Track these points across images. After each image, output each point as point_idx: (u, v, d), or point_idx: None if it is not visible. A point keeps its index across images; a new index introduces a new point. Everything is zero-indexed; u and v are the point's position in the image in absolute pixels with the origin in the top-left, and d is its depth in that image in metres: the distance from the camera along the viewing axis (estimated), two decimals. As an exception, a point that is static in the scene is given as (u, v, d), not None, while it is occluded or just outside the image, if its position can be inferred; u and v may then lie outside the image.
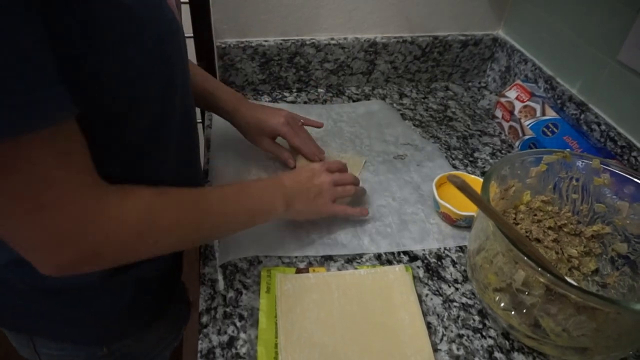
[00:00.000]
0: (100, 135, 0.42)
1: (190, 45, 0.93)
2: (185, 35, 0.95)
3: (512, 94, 0.94)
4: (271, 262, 0.64)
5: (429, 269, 0.66)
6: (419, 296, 0.61)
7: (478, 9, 1.03)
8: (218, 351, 0.53)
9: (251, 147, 0.79)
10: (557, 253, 0.61)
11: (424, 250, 0.68)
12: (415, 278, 0.63)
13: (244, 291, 0.60)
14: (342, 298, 0.59)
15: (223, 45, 0.94)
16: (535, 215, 0.64)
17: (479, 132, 0.95)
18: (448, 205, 0.68)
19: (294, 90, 1.03)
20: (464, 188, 0.44)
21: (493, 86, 1.10)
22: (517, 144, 0.91)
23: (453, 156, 0.88)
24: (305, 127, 0.81)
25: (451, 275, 0.65)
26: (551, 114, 0.86)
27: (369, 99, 1.03)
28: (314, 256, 0.65)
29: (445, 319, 0.59)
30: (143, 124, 0.47)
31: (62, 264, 0.40)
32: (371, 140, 0.90)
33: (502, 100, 0.95)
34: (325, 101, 1.00)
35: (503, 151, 0.91)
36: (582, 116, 0.84)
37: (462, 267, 0.66)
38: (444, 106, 1.03)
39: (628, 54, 0.75)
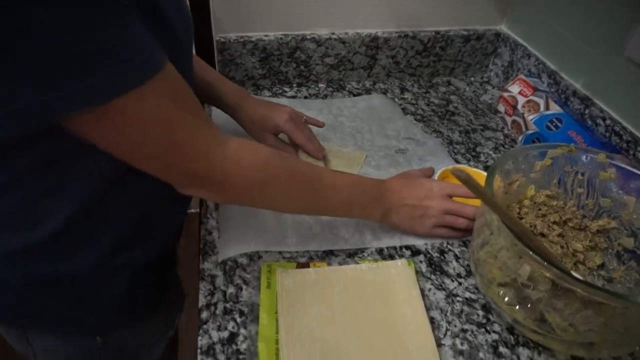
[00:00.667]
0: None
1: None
2: None
3: (515, 88, 0.93)
4: (272, 257, 0.63)
5: (432, 263, 0.65)
6: (422, 291, 0.60)
7: (481, 3, 1.01)
8: (218, 347, 0.52)
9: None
10: (562, 247, 0.61)
11: (426, 244, 0.67)
12: (417, 272, 0.62)
13: (244, 287, 0.59)
14: (343, 293, 0.58)
15: (223, 40, 0.93)
16: (540, 209, 0.63)
17: (481, 127, 0.94)
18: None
19: (295, 85, 1.02)
20: (468, 182, 0.43)
21: (496, 81, 1.09)
22: (520, 138, 0.90)
23: (455, 150, 0.87)
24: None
25: (454, 269, 0.64)
26: (555, 109, 0.85)
27: (370, 94, 1.02)
28: (315, 251, 0.64)
29: (448, 314, 0.58)
30: None
31: (194, 192, 0.52)
32: (372, 134, 0.89)
33: (505, 94, 0.94)
34: (325, 96, 0.99)
35: (506, 146, 0.90)
36: (587, 111, 0.83)
37: (466, 262, 0.65)
38: (446, 101, 1.02)
39: (634, 48, 0.74)
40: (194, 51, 0.91)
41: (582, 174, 0.62)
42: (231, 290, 0.58)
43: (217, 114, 0.80)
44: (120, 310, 0.59)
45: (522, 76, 0.94)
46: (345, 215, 0.64)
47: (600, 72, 0.82)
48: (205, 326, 0.54)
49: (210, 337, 0.53)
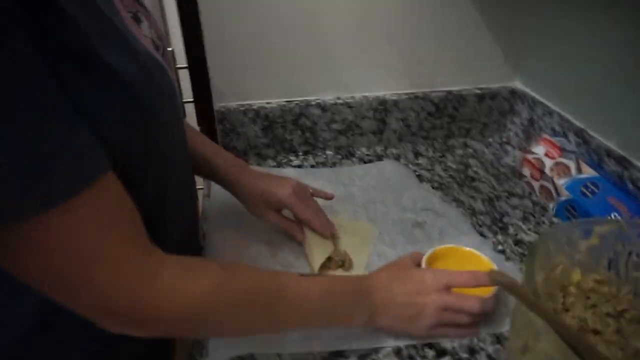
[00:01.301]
0: None
1: (191, 110, 0.88)
2: (186, 99, 0.91)
3: (539, 150, 0.85)
4: (271, 363, 0.53)
5: (463, 367, 0.54)
6: (454, 407, 0.49)
7: (491, 59, 0.96)
8: None
9: (252, 219, 0.71)
10: (622, 349, 0.50)
11: (452, 342, 0.57)
12: (447, 381, 0.52)
13: (238, 404, 0.49)
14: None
15: (223, 109, 0.89)
16: (589, 298, 0.53)
17: (506, 194, 0.85)
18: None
19: (300, 154, 0.96)
20: (512, 288, 0.34)
21: (516, 141, 1.01)
22: (552, 206, 0.81)
23: (480, 222, 0.78)
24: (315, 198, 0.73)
25: (491, 376, 0.53)
26: (588, 172, 0.76)
27: (381, 160, 0.95)
28: (321, 352, 0.54)
29: None
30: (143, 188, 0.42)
31: (119, 329, 0.39)
32: (386, 206, 0.81)
33: (530, 157, 0.86)
34: (334, 164, 0.93)
35: (536, 215, 0.80)
36: (626, 173, 0.74)
37: (504, 364, 0.55)
38: (464, 165, 0.94)
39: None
40: (193, 123, 0.87)
41: (638, 255, 0.52)
42: (221, 409, 0.48)
43: (217, 188, 0.74)
44: None
45: (546, 136, 0.86)
46: (321, 326, 0.55)
47: (636, 127, 0.74)
48: None
49: None
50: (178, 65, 0.83)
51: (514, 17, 0.92)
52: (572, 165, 0.78)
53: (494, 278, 0.35)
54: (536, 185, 0.85)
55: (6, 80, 0.28)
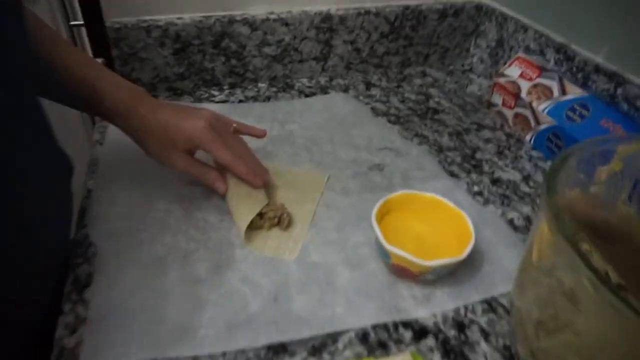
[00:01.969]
0: None
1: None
2: (75, 22, 0.68)
3: (514, 71, 0.71)
4: (180, 370, 0.37)
5: (449, 350, 0.40)
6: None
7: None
8: None
9: (159, 170, 0.52)
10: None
11: (434, 316, 0.43)
12: (429, 372, 0.38)
13: None
14: None
15: (118, 26, 0.66)
16: (609, 243, 0.40)
17: (475, 126, 0.71)
18: (406, 255, 0.43)
19: (226, 87, 0.76)
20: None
21: (480, 68, 0.87)
22: (529, 137, 0.68)
23: (448, 160, 0.63)
24: (242, 137, 0.55)
25: (486, 357, 0.40)
26: (575, 92, 0.63)
27: (326, 93, 0.77)
28: (252, 349, 0.38)
29: None
30: None
31: None
32: (335, 146, 0.64)
33: (502, 81, 0.71)
34: (268, 98, 0.74)
35: (512, 148, 0.67)
36: (618, 90, 0.62)
37: (502, 340, 0.41)
38: (425, 95, 0.79)
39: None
40: (83, 45, 0.64)
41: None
42: None
43: (114, 132, 0.54)
44: None
45: (521, 54, 0.72)
46: None
47: (628, 35, 0.61)
48: None
49: None
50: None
51: None
52: (554, 86, 0.65)
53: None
54: (509, 114, 0.71)
55: None
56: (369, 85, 0.80)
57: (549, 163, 0.64)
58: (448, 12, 0.82)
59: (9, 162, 0.34)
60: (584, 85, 0.65)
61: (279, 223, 0.50)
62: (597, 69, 0.64)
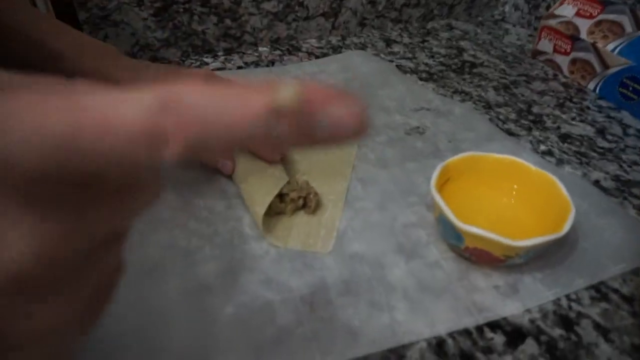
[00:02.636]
0: None
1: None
2: None
3: (567, 10, 0.59)
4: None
5: (560, 357, 0.29)
6: None
7: None
8: None
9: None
10: None
11: (529, 312, 0.31)
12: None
13: None
14: None
15: (83, -15, 0.54)
16: None
17: (523, 78, 0.60)
18: (489, 235, 0.31)
19: (220, 53, 0.64)
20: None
21: (515, 16, 0.75)
22: (593, 85, 0.56)
23: (501, 117, 0.52)
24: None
25: (622, 370, 0.28)
26: (653, 24, 0.51)
27: (340, 53, 0.65)
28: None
29: None
30: None
31: None
32: (360, 110, 0.52)
33: (552, 23, 0.60)
34: (272, 63, 0.62)
35: (574, 99, 0.55)
36: None
37: (628, 338, 0.30)
38: (457, 49, 0.67)
39: None
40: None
41: None
42: None
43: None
44: None
45: (573, -10, 0.60)
46: None
47: None
48: None
49: None
50: None
51: None
52: (625, 20, 0.53)
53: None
54: (564, 61, 0.59)
55: None
56: (388, 42, 0.68)
57: (624, 113, 0.53)
58: (475, -50, 0.70)
59: None
60: (660, 14, 0.54)
61: (304, 206, 0.39)
62: (677, -7, 0.52)
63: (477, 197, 0.37)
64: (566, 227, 0.32)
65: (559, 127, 0.50)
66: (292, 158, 0.44)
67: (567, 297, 0.33)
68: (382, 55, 0.64)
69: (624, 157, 0.46)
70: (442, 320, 0.31)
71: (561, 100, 0.55)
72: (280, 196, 0.38)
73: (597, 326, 0.31)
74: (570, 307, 0.32)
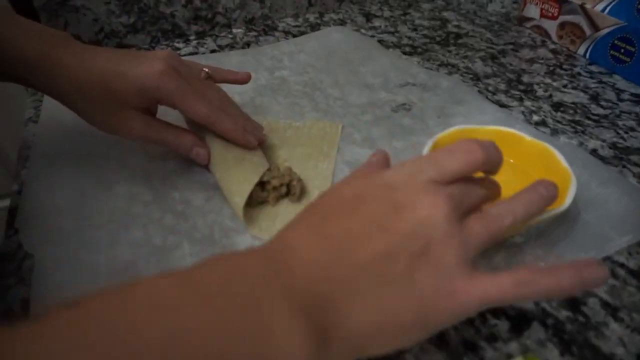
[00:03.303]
0: None
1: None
2: None
3: (552, -29, 0.56)
4: None
5: (569, 341, 0.27)
6: None
7: None
8: None
9: (113, 143, 0.37)
10: None
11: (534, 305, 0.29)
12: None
13: None
14: None
15: (36, -31, 0.50)
16: None
17: (510, 46, 0.57)
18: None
19: (192, 37, 0.60)
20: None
21: (498, -17, 0.72)
22: (583, 50, 0.54)
23: (490, 88, 0.49)
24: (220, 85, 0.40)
25: (624, 343, 0.27)
26: (644, -19, 0.49)
27: (318, 31, 0.62)
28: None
29: None
30: None
31: None
32: (342, 88, 0.50)
33: (537, -14, 0.57)
34: (247, 45, 0.59)
35: (564, 66, 0.53)
36: None
37: (638, 316, 0.28)
38: (440, 20, 0.64)
39: None
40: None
41: None
42: None
43: (51, 106, 0.38)
44: None
45: (558, -49, 0.57)
46: None
47: None
48: None
49: None
50: None
51: None
52: (613, -21, 0.51)
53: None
54: (552, 25, 0.57)
55: None
56: (368, 16, 0.65)
57: (616, 77, 0.50)
58: None
59: None
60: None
61: (288, 193, 0.36)
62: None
63: (471, 173, 0.35)
64: (568, 200, 0.30)
65: (550, 96, 0.48)
66: (271, 142, 0.41)
67: (572, 274, 0.31)
68: (363, 31, 0.61)
69: (620, 123, 0.44)
70: (442, 307, 0.29)
71: (551, 68, 0.53)
72: (262, 184, 0.35)
73: (605, 305, 0.29)
74: (575, 285, 0.30)
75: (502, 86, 0.49)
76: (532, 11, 0.59)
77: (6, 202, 0.39)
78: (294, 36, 0.60)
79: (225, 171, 0.36)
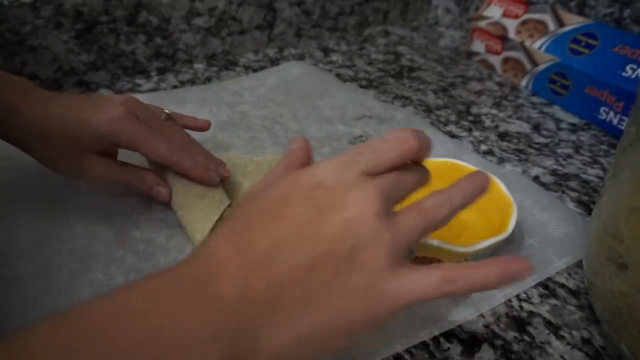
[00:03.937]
0: None
1: None
2: None
3: (494, 11, 0.61)
4: None
5: (510, 354, 0.29)
6: None
7: None
8: None
9: (73, 182, 0.37)
10: None
11: (482, 317, 0.31)
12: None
13: None
14: None
15: (-8, 8, 0.50)
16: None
17: (460, 79, 0.61)
18: (438, 243, 0.31)
19: (153, 73, 0.61)
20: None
21: (447, 19, 0.77)
22: (525, 82, 0.58)
23: (442, 119, 0.52)
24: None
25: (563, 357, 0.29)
26: (575, 21, 0.54)
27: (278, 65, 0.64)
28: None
29: None
30: None
31: None
32: (301, 122, 0.51)
33: (481, 24, 0.61)
34: (209, 80, 0.60)
35: (509, 97, 0.57)
36: (626, 12, 0.53)
37: (578, 333, 0.30)
38: (394, 54, 0.67)
39: None
40: None
41: None
42: None
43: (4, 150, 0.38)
44: None
45: (498, -8, 0.62)
46: None
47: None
48: None
49: None
50: None
51: None
52: (547, 19, 0.55)
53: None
54: (496, 60, 0.61)
55: None
56: (326, 51, 0.68)
57: (555, 108, 0.55)
58: (404, -43, 0.72)
59: None
60: (580, 13, 0.56)
61: (249, 228, 0.37)
62: (592, -9, 0.55)
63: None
64: (510, 226, 0.32)
65: (497, 126, 0.51)
66: (233, 178, 0.42)
67: (518, 297, 0.33)
68: (321, 65, 0.64)
69: (559, 151, 0.47)
70: (398, 336, 0.30)
71: (497, 99, 0.56)
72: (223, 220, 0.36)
73: (548, 324, 0.31)
74: (521, 307, 0.32)
75: (453, 117, 0.53)
76: (479, 47, 0.63)
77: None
78: (255, 71, 0.62)
79: (187, 208, 0.36)
